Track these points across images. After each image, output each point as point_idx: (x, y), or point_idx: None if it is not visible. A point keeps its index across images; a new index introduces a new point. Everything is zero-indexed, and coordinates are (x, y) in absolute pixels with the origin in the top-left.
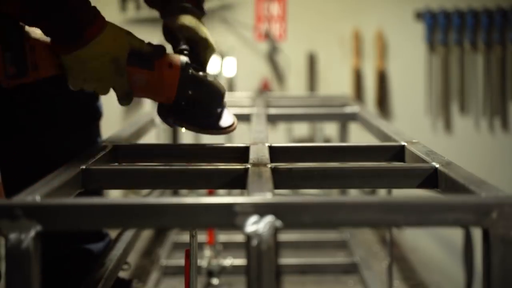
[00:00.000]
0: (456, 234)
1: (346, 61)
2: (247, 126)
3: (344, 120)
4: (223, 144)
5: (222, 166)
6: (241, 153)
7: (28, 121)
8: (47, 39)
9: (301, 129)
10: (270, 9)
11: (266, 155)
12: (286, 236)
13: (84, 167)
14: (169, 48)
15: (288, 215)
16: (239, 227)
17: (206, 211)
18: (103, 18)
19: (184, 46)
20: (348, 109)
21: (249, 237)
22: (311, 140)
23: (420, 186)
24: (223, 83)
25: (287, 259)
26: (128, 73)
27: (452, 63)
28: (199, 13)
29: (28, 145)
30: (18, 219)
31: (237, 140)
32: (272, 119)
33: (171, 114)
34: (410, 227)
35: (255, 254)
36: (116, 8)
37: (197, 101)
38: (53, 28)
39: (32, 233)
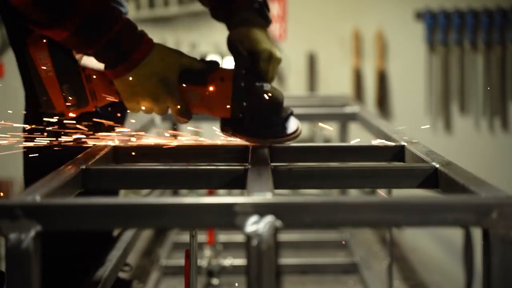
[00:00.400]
0: (456, 234)
1: (346, 61)
2: None
3: (344, 120)
4: (223, 144)
5: (222, 166)
6: (241, 153)
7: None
8: (101, 66)
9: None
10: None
11: (266, 155)
12: (286, 236)
13: (84, 167)
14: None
15: (288, 215)
16: (239, 227)
17: (206, 211)
18: (150, 40)
19: (246, 58)
20: (348, 109)
21: (249, 237)
22: (311, 140)
23: (420, 186)
24: None
25: (287, 259)
26: (182, 91)
27: (452, 63)
28: (263, 22)
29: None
30: (18, 219)
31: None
32: None
33: (231, 127)
34: (410, 227)
35: (255, 254)
36: None
37: (254, 112)
38: (102, 54)
39: (32, 233)
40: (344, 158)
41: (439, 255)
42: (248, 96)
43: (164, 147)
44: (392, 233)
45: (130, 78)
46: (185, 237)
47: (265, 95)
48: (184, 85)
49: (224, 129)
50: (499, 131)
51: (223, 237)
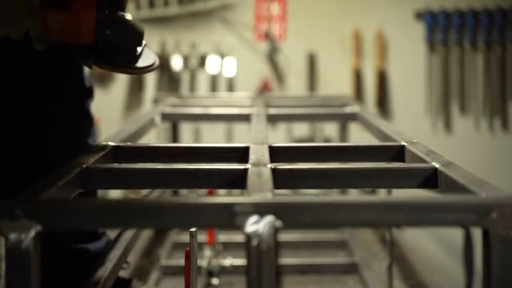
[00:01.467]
0: (456, 234)
1: (346, 61)
2: (247, 126)
3: (344, 120)
4: (223, 144)
5: (222, 166)
6: (241, 153)
7: (16, 124)
8: None
9: (301, 129)
10: (270, 9)
11: (266, 155)
12: (286, 236)
13: (84, 167)
14: None
15: (288, 215)
16: (239, 227)
17: (206, 211)
18: None
19: None
20: (348, 109)
21: (249, 237)
22: (311, 140)
23: (420, 186)
24: (223, 83)
25: (287, 259)
26: (43, 16)
27: (452, 63)
28: None
29: (17, 146)
30: (18, 219)
31: (237, 140)
32: (272, 119)
33: (91, 56)
34: (410, 227)
35: (255, 254)
36: None
37: (116, 41)
38: None
39: (32, 233)
40: (344, 158)
41: (439, 255)
42: (112, 25)
43: (164, 147)
44: (392, 233)
45: None
46: (185, 237)
47: (128, 24)
48: (46, 8)
49: (82, 57)
50: (499, 131)
51: (223, 237)
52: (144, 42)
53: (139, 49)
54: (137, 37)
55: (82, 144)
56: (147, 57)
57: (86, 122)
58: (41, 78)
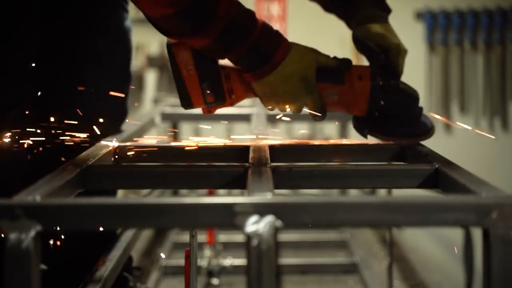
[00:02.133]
0: (456, 234)
1: None
2: (247, 126)
3: (344, 120)
4: (223, 144)
5: (222, 166)
6: (241, 153)
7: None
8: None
9: (301, 129)
10: (270, 9)
11: (266, 155)
12: (286, 236)
13: (84, 167)
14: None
15: (288, 215)
16: (239, 227)
17: (206, 211)
18: (286, 41)
19: (381, 56)
20: None
21: (249, 237)
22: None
23: (420, 186)
24: None
25: (287, 259)
26: (319, 89)
27: (452, 63)
28: (385, 14)
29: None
30: (18, 219)
31: (237, 140)
32: (272, 119)
33: (366, 126)
34: (410, 227)
35: (255, 254)
36: None
37: (390, 111)
38: (241, 59)
39: (32, 233)
40: (344, 158)
41: (439, 255)
42: (385, 95)
43: (164, 147)
44: (392, 233)
45: (271, 80)
46: (185, 237)
47: (402, 93)
48: (321, 83)
49: (358, 127)
50: (499, 131)
51: (223, 237)
52: (421, 107)
53: (415, 115)
54: (412, 105)
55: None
56: (424, 122)
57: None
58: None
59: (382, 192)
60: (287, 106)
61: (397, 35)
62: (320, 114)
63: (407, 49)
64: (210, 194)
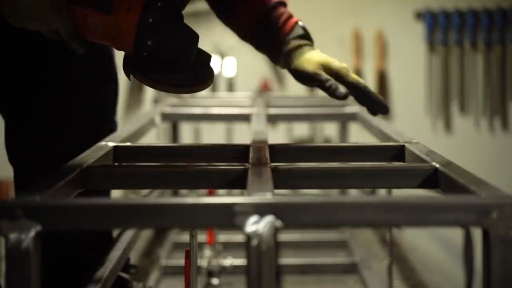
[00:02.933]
0: (456, 234)
1: (346, 61)
2: (247, 126)
3: (344, 120)
4: (223, 144)
5: (222, 166)
6: (241, 153)
7: (40, 123)
8: None
9: (301, 129)
10: None
11: (266, 155)
12: (286, 236)
13: (84, 167)
14: None
15: (288, 215)
16: (239, 227)
17: (206, 211)
18: None
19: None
20: (348, 109)
21: (249, 237)
22: (311, 140)
23: (420, 186)
24: (223, 83)
25: (287, 259)
26: (80, 15)
27: (452, 63)
28: (311, 41)
29: (37, 145)
30: (18, 219)
31: (237, 140)
32: (272, 119)
33: (131, 66)
34: (410, 227)
35: (255, 254)
36: None
37: (160, 53)
38: None
39: (32, 233)
40: (344, 158)
41: (439, 255)
42: (155, 34)
43: (164, 147)
44: (392, 233)
45: None
46: (185, 237)
47: (177, 34)
48: (82, 7)
49: (125, 67)
50: (499, 131)
51: (223, 237)
52: (207, 56)
53: (190, 61)
54: (187, 50)
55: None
56: (201, 71)
57: (109, 126)
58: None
59: (382, 192)
60: (31, 25)
61: (333, 59)
62: (74, 44)
63: (345, 66)
64: (210, 194)
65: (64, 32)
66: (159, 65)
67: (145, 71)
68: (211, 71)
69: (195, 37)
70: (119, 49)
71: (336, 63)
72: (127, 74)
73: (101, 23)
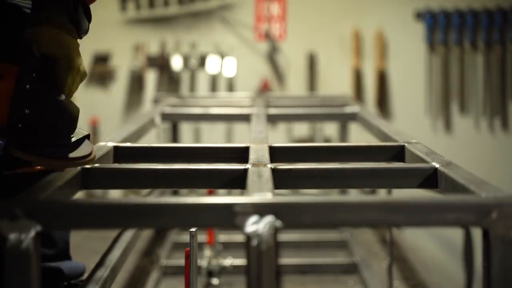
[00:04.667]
0: (456, 234)
1: (346, 61)
2: (247, 126)
3: (344, 120)
4: (223, 144)
5: (222, 166)
6: (241, 153)
7: None
8: None
9: (301, 129)
10: (270, 9)
11: (266, 155)
12: (286, 236)
13: (84, 167)
14: None
15: (288, 215)
16: (239, 227)
17: (206, 211)
18: None
19: (37, 62)
20: (348, 109)
21: (249, 237)
22: (311, 140)
23: (420, 186)
24: (223, 83)
25: (287, 259)
26: None
27: (452, 63)
28: (73, 29)
29: None
30: (18, 219)
31: (237, 140)
32: (272, 119)
33: (5, 137)
34: (410, 227)
35: (255, 254)
36: (116, 8)
37: (38, 124)
38: None
39: (32, 233)
40: (344, 158)
41: (439, 255)
42: (33, 103)
43: (164, 147)
44: (392, 233)
45: None
46: (185, 237)
47: (57, 106)
48: None
49: None
50: (499, 131)
51: (223, 237)
52: (85, 133)
53: (69, 136)
54: (67, 123)
55: None
56: (81, 147)
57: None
58: None
59: (382, 192)
60: None
61: (79, 54)
62: None
63: (85, 73)
64: (210, 194)
65: None
66: (36, 137)
67: (21, 144)
68: (92, 149)
69: (76, 109)
70: None
71: (65, 52)
72: (0, 147)
73: None
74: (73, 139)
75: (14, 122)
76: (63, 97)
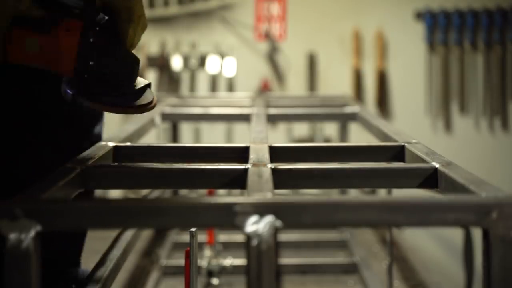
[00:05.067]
0: (456, 234)
1: (346, 61)
2: (247, 126)
3: (344, 120)
4: (223, 144)
5: (222, 166)
6: (241, 153)
7: (27, 140)
8: None
9: (301, 129)
10: (270, 9)
11: (266, 155)
12: (286, 236)
13: (84, 167)
14: None
15: (288, 215)
16: (239, 227)
17: (206, 211)
18: None
19: (100, 14)
20: (348, 109)
21: (249, 237)
22: (311, 140)
23: (420, 186)
24: (223, 83)
25: (287, 259)
26: (17, 36)
27: (452, 63)
28: None
29: (26, 161)
30: (18, 219)
31: (237, 140)
32: (272, 119)
33: (73, 88)
34: (410, 227)
35: (255, 254)
36: None
37: (102, 74)
38: None
39: (32, 233)
40: (344, 158)
41: (439, 255)
42: (97, 55)
43: (164, 147)
44: (392, 233)
45: None
46: (185, 237)
47: (119, 56)
48: (18, 29)
49: (65, 89)
50: (499, 131)
51: (223, 237)
52: (146, 82)
53: (132, 85)
54: (129, 71)
55: None
56: (144, 95)
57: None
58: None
59: (382, 192)
60: None
61: (141, 6)
62: None
63: (146, 25)
64: (210, 194)
65: None
66: (101, 86)
67: (87, 93)
68: (153, 97)
69: (137, 59)
70: (59, 72)
71: (126, 3)
72: (68, 97)
73: (38, 43)
74: (136, 88)
75: (81, 73)
76: (124, 49)
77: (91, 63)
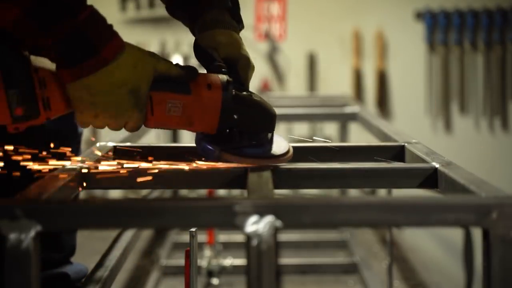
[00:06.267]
0: (456, 234)
1: (346, 61)
2: None
3: (344, 120)
4: None
5: (222, 166)
6: None
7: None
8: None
9: (301, 129)
10: (270, 9)
11: None
12: (286, 236)
13: (84, 167)
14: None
15: (288, 215)
16: (239, 227)
17: (206, 211)
18: (120, 40)
19: (220, 63)
20: (348, 109)
21: (249, 237)
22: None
23: (420, 186)
24: None
25: (287, 259)
26: (157, 102)
27: (452, 63)
28: (237, 26)
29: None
30: (18, 219)
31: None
32: None
33: (215, 145)
34: (410, 227)
35: (255, 254)
36: (116, 8)
37: (244, 127)
38: (59, 45)
39: (32, 233)
40: (344, 158)
41: (439, 255)
42: (240, 108)
43: (164, 147)
44: (392, 233)
45: (92, 84)
46: (185, 237)
47: (258, 107)
48: (161, 92)
49: (204, 147)
50: (499, 131)
51: (223, 237)
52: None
53: (269, 134)
54: (268, 122)
55: None
56: (279, 143)
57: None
58: None
59: (382, 192)
60: (104, 122)
61: (245, 48)
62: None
63: (254, 66)
64: (210, 194)
65: (134, 125)
66: (243, 139)
67: (229, 148)
68: (286, 143)
69: (273, 110)
70: (200, 130)
71: (242, 52)
72: (214, 155)
73: (181, 104)
74: (269, 137)
75: (223, 127)
76: (258, 97)
77: (235, 116)
